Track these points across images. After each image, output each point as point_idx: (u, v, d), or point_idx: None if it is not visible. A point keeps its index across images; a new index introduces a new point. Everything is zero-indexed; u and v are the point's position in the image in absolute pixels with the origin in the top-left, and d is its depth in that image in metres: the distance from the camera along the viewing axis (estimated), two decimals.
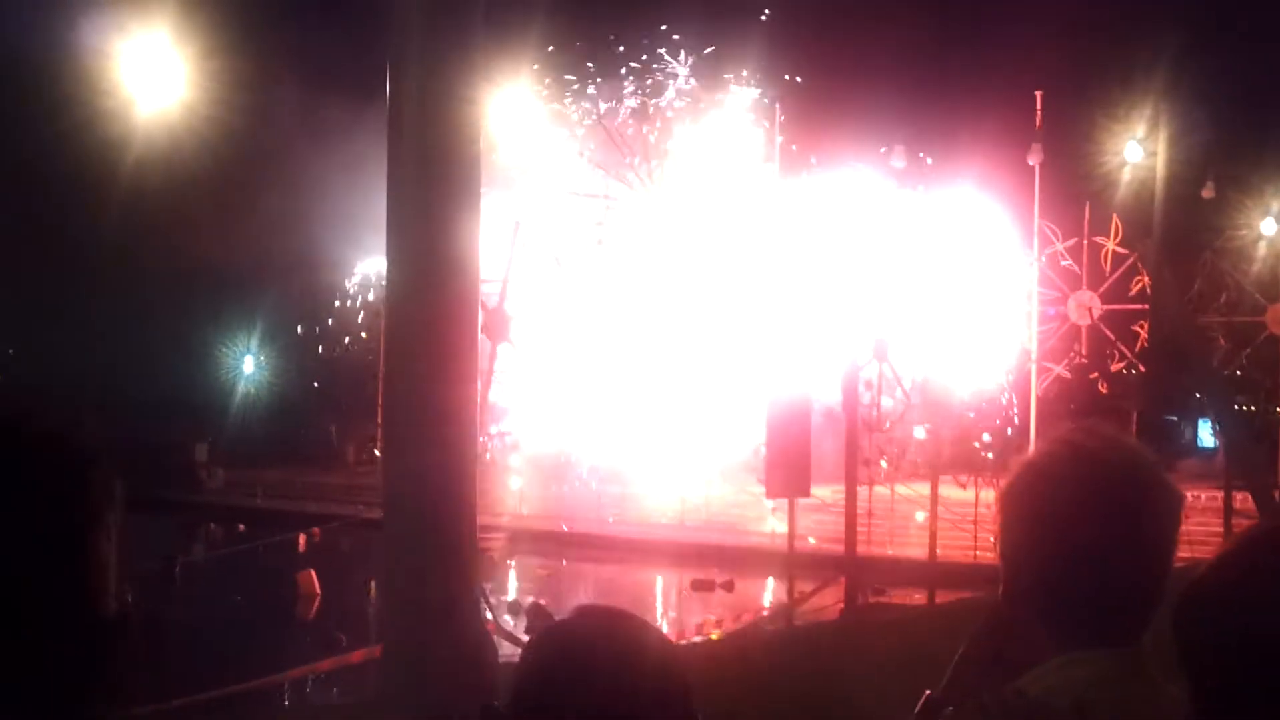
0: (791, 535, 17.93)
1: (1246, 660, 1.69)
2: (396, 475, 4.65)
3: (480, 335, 14.42)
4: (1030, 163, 37.52)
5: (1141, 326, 38.39)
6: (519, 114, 34.75)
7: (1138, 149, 34.35)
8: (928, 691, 2.44)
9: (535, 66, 37.73)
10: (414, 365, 4.63)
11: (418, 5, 4.52)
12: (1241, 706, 1.69)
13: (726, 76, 40.41)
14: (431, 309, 4.61)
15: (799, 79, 40.55)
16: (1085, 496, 2.00)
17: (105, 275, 40.24)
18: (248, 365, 47.82)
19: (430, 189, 4.57)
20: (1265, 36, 39.42)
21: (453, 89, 4.54)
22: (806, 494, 16.94)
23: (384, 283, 4.88)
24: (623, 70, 39.80)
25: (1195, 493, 32.43)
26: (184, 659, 16.02)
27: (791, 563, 18.07)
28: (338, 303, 40.57)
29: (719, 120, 39.63)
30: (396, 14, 4.54)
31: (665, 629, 20.39)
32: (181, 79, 17.48)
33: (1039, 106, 38.35)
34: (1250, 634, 1.68)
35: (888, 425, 26.78)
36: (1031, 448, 2.20)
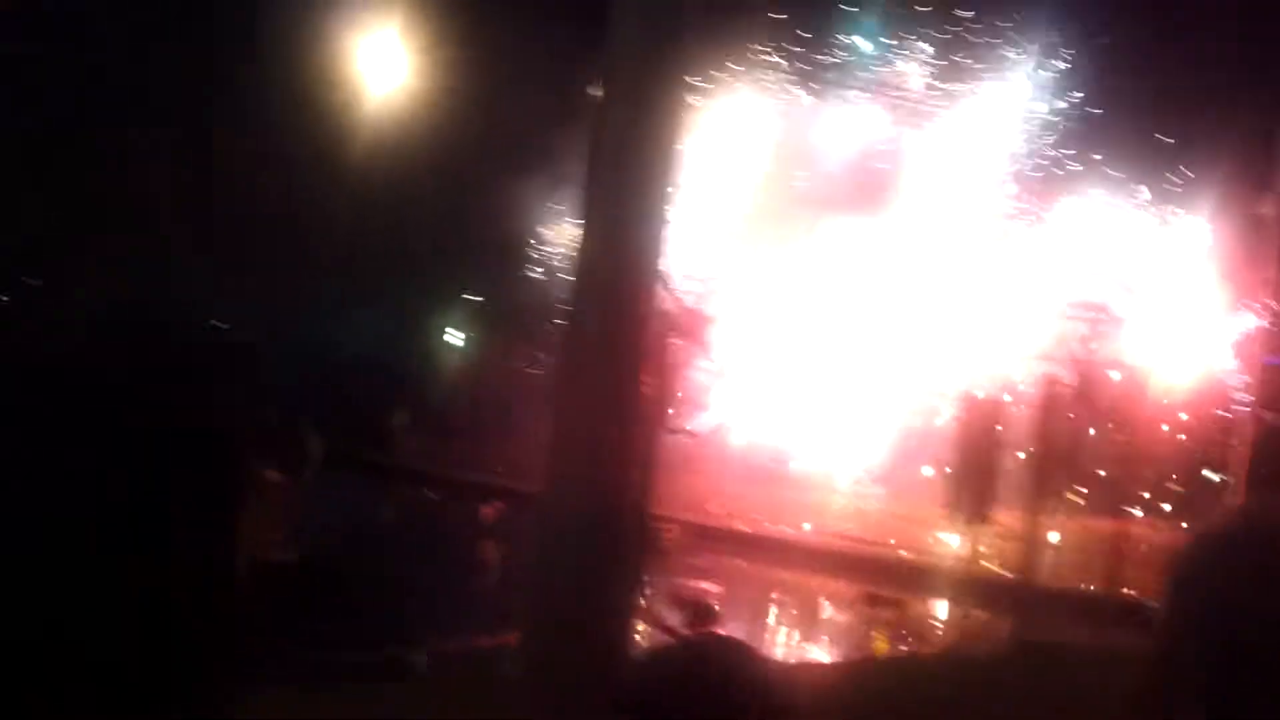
0: (971, 560, 17.54)
1: None
2: (560, 461, 4.70)
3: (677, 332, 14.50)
4: (1256, 211, 35.90)
5: None
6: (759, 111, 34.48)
7: None
8: None
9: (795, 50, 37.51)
10: (586, 353, 4.69)
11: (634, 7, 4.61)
12: None
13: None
14: (609, 302, 4.66)
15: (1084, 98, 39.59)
16: (1259, 576, 1.86)
17: (333, 254, 42.20)
18: (456, 337, 49.10)
19: (624, 187, 4.65)
20: None
21: (663, 95, 4.63)
22: (989, 519, 16.54)
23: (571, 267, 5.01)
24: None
25: None
26: (370, 611, 16.52)
27: (966, 588, 17.68)
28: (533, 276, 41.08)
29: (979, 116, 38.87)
30: (613, 13, 4.63)
31: (827, 641, 20.22)
32: (406, 69, 18.28)
33: None
34: None
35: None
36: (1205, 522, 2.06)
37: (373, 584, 18.98)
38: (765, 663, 1.92)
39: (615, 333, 4.62)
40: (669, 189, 4.78)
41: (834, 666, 15.79)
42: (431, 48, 21.69)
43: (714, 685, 1.86)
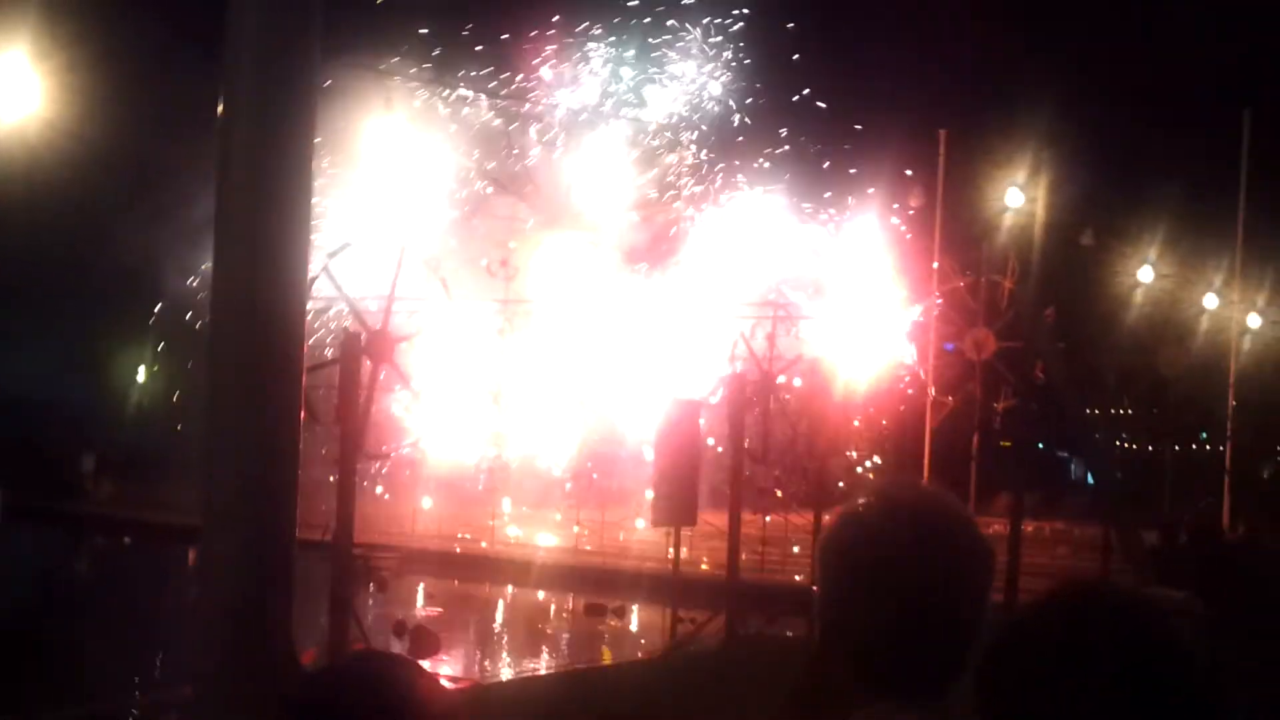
0: (677, 562, 17.92)
1: (1045, 716, 1.72)
2: (218, 491, 4.53)
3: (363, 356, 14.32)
4: (911, 205, 38.26)
5: (1037, 365, 39.09)
6: (404, 130, 34.36)
7: (1019, 194, 35.17)
8: None
9: (424, 69, 37.50)
10: (236, 382, 4.55)
11: (254, 18, 4.52)
12: None
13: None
14: (256, 325, 4.54)
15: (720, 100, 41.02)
16: (895, 546, 2.02)
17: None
18: (139, 374, 47.11)
19: (259, 200, 4.54)
20: (1147, 92, 40.75)
21: (287, 98, 4.53)
22: (693, 522, 16.96)
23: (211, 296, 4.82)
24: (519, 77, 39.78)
25: (1082, 529, 33.16)
26: (64, 672, 15.67)
27: (678, 590, 18.06)
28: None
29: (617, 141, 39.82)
30: (231, 26, 4.53)
31: (550, 653, 20.35)
32: (38, 95, 17.40)
33: (942, 146, 39.03)
34: (1048, 692, 1.71)
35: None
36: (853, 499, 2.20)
37: (68, 639, 18.05)
38: (429, 680, 1.95)
39: (262, 357, 4.51)
40: (308, 203, 4.69)
41: (556, 677, 15.87)
42: (64, 71, 20.79)
43: (372, 708, 1.87)
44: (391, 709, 1.81)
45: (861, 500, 2.13)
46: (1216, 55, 41.18)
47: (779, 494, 32.19)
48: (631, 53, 40.68)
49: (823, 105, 41.36)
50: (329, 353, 18.63)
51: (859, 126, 40.98)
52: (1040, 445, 35.98)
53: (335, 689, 1.87)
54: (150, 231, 38.39)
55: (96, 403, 44.39)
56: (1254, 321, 38.92)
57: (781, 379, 23.68)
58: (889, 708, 2.00)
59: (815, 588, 2.11)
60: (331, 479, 14.33)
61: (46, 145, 21.33)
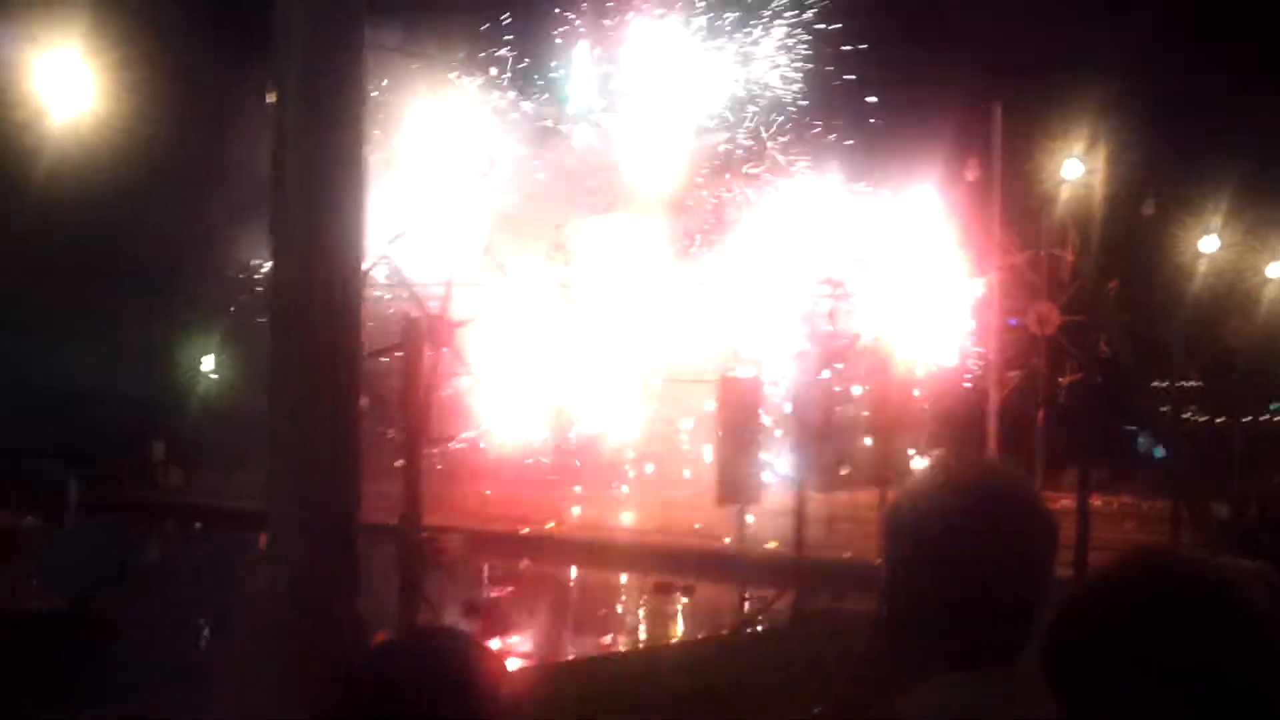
0: (743, 540, 17.97)
1: (1113, 685, 1.74)
2: (281, 478, 4.59)
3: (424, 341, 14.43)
4: (967, 178, 37.83)
5: (1101, 339, 38.68)
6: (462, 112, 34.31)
7: (1077, 165, 34.66)
8: (816, 709, 2.49)
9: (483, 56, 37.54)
10: (295, 367, 4.59)
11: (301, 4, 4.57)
12: None
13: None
14: (314, 309, 4.58)
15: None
16: (961, 520, 2.05)
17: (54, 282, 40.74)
18: (207, 364, 47.67)
19: (314, 183, 4.58)
20: (1210, 56, 40.03)
21: (338, 80, 4.58)
22: (757, 500, 17.01)
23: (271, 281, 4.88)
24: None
25: (1151, 503, 32.80)
26: (140, 660, 15.96)
27: (746, 568, 18.13)
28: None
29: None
30: (280, 10, 4.58)
31: (621, 632, 20.46)
32: (90, 90, 17.54)
33: (998, 117, 38.56)
34: (1115, 661, 1.74)
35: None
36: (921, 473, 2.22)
37: (145, 625, 18.36)
38: (490, 657, 1.98)
39: (321, 343, 4.55)
40: (363, 190, 4.73)
41: (624, 655, 15.98)
42: (116, 67, 21.03)
43: (431, 685, 1.91)
44: (451, 685, 1.85)
45: (926, 476, 2.15)
46: (1277, 16, 40.38)
47: (844, 471, 32.08)
48: (685, 32, 40.55)
49: (872, 99, 41.14)
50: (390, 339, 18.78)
51: (912, 100, 40.66)
52: (1107, 419, 35.58)
53: (396, 666, 1.91)
54: (207, 222, 38.86)
55: (160, 392, 45.01)
56: None
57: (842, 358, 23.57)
58: (954, 679, 2.03)
59: (881, 563, 2.14)
60: (398, 464, 14.52)
61: (101, 141, 21.61)
